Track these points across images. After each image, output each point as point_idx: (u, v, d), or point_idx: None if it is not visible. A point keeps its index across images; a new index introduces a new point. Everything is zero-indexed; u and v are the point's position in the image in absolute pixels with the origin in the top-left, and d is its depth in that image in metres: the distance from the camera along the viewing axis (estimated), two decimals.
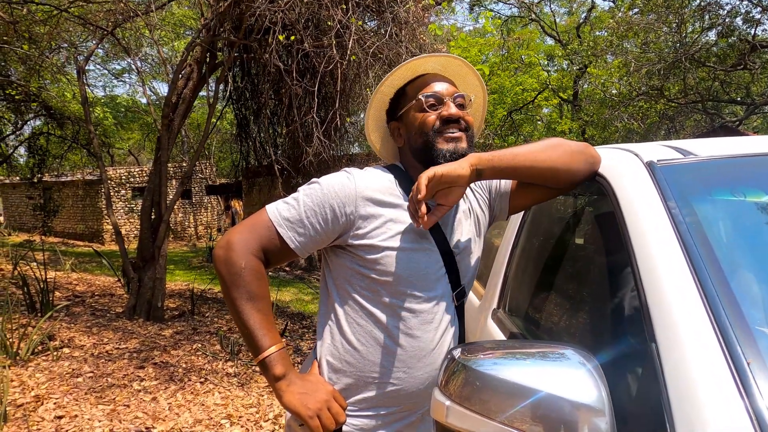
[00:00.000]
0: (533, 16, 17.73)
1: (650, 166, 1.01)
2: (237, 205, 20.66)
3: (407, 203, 1.10)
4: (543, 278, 1.48)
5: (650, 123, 12.50)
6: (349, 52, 3.58)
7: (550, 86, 15.27)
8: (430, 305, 1.12)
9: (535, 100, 15.50)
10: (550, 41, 19.55)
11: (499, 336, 1.45)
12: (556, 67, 18.55)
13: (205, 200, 20.17)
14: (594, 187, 1.24)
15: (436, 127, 1.12)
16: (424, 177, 1.01)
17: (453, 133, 1.11)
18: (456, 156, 1.09)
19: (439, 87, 1.15)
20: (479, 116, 1.31)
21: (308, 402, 1.04)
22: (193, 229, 19.61)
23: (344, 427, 1.09)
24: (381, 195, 1.10)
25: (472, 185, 1.25)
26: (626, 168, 1.06)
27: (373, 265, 1.08)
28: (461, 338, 1.22)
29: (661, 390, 0.70)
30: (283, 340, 1.07)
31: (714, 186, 1.02)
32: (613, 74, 11.97)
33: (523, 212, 1.66)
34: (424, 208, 1.01)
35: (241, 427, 3.05)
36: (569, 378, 0.75)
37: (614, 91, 12.41)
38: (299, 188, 1.13)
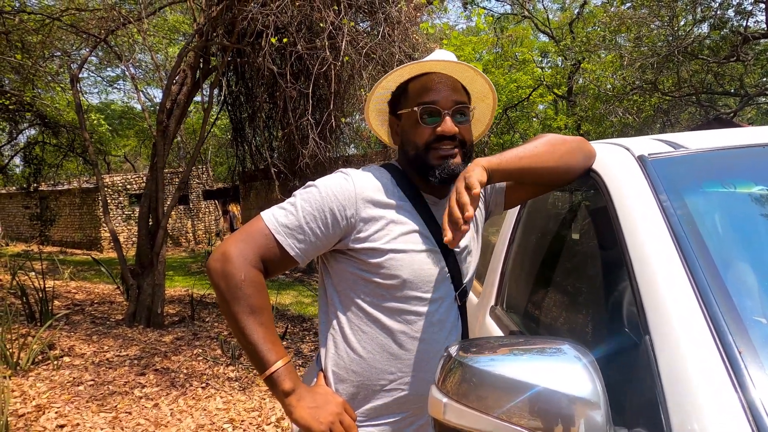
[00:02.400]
0: (526, 12, 17.77)
1: (641, 160, 1.02)
2: (235, 209, 20.65)
3: (403, 202, 1.08)
4: (539, 274, 1.49)
5: (645, 117, 12.53)
6: (342, 53, 3.58)
7: (544, 83, 15.29)
8: (435, 307, 1.09)
9: (530, 97, 15.53)
10: (543, 38, 19.58)
11: (498, 333, 1.46)
12: (550, 64, 18.58)
13: (203, 205, 20.15)
14: (587, 182, 1.25)
15: (429, 142, 1.08)
16: (465, 195, 0.93)
17: (446, 149, 1.07)
18: (447, 173, 1.06)
19: (440, 95, 1.08)
20: (486, 120, 1.28)
21: (320, 416, 1.00)
22: (191, 234, 19.58)
23: None
24: (381, 195, 1.07)
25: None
26: (617, 162, 1.06)
27: (376, 269, 1.05)
28: (464, 338, 1.19)
29: (655, 382, 0.71)
30: (289, 353, 1.04)
31: (704, 178, 1.03)
32: (606, 69, 11.99)
33: (518, 209, 1.66)
34: (466, 226, 0.93)
35: (244, 431, 3.05)
36: (565, 372, 0.75)
37: (608, 86, 12.43)
38: (295, 192, 1.08)
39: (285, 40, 3.84)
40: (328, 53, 3.69)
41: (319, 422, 0.99)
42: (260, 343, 0.99)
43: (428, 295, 1.08)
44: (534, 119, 19.18)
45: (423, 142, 1.08)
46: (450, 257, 1.11)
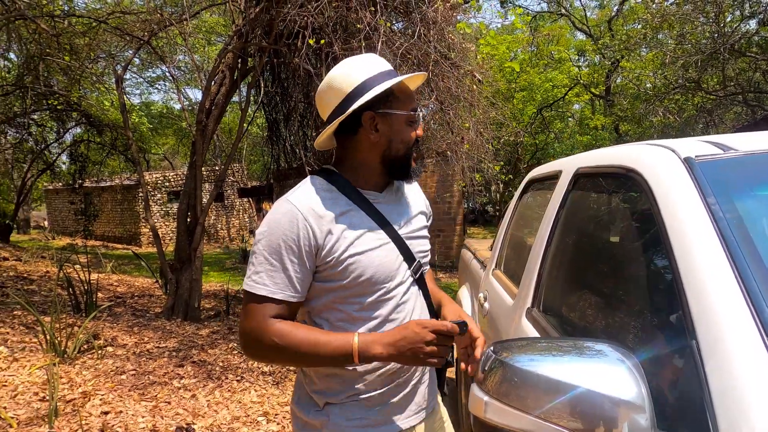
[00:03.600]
0: (563, 11, 17.43)
1: (688, 162, 1.00)
2: (268, 207, 20.97)
3: (349, 207, 1.15)
4: (578, 277, 1.47)
5: (687, 117, 12.11)
6: (377, 53, 3.60)
7: (581, 82, 14.97)
8: (401, 289, 1.18)
9: (566, 97, 15.22)
10: (580, 36, 19.17)
11: (534, 335, 1.45)
12: (587, 62, 18.18)
13: (237, 203, 20.58)
14: (629, 184, 1.23)
15: (413, 145, 1.19)
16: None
17: (417, 152, 1.22)
18: (419, 172, 1.22)
19: (416, 104, 1.21)
20: None
21: (409, 346, 1.04)
22: (225, 231, 20.04)
23: (356, 411, 1.14)
24: (328, 209, 1.11)
25: (418, 191, 1.35)
26: (663, 164, 1.04)
27: (341, 274, 1.10)
28: (429, 304, 1.28)
29: (702, 389, 0.70)
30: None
31: (756, 181, 1.00)
32: (647, 67, 11.65)
33: (556, 211, 1.65)
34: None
35: (277, 424, 3.11)
36: (608, 374, 0.75)
37: (648, 85, 12.07)
38: (256, 246, 1.11)
39: (322, 41, 3.89)
40: (364, 53, 3.71)
41: (420, 336, 1.03)
42: (328, 350, 1.06)
43: (392, 283, 1.16)
44: (570, 119, 18.80)
45: (411, 143, 1.19)
46: (400, 244, 1.19)
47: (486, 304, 2.28)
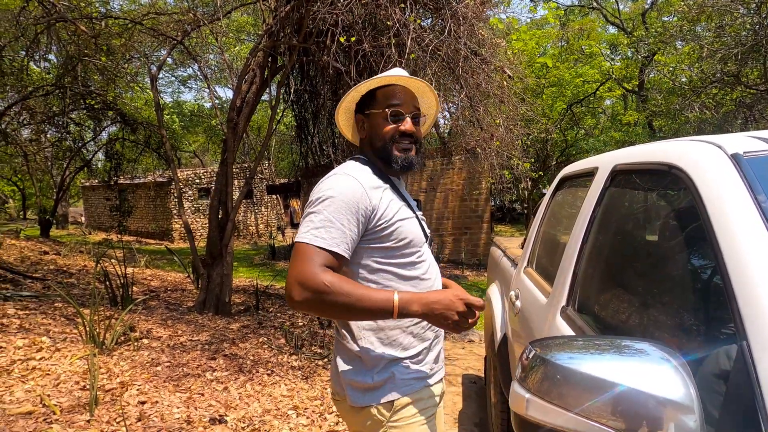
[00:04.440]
0: (594, 4, 17.04)
1: (735, 158, 0.97)
2: (295, 204, 21.21)
3: (387, 185, 1.37)
4: (616, 275, 1.44)
5: (725, 112, 11.69)
6: (408, 50, 3.60)
7: (613, 77, 14.61)
8: (426, 255, 1.41)
9: (597, 92, 14.89)
10: (612, 30, 18.71)
11: (570, 334, 1.43)
12: (620, 57, 17.74)
13: (266, 199, 20.87)
14: (672, 182, 1.20)
15: (394, 138, 1.39)
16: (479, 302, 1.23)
17: (405, 144, 1.40)
18: (406, 163, 1.39)
19: (402, 101, 1.40)
20: (430, 123, 1.64)
21: (442, 309, 1.20)
22: (254, 227, 20.35)
23: (402, 360, 1.34)
24: (376, 182, 1.34)
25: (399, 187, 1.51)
26: (709, 161, 1.02)
27: (388, 237, 1.31)
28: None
29: (753, 389, 0.68)
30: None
31: None
32: (683, 61, 11.29)
33: (593, 208, 1.62)
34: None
35: (307, 418, 3.15)
36: (652, 373, 0.74)
37: (684, 79, 11.69)
38: (317, 207, 1.26)
39: (353, 39, 3.90)
40: (393, 51, 3.72)
41: (454, 305, 1.21)
42: (369, 301, 1.18)
43: (423, 248, 1.39)
44: (600, 115, 18.39)
45: (389, 137, 1.39)
46: (418, 220, 1.43)
47: (518, 303, 2.26)
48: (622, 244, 1.49)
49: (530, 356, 0.79)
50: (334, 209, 1.24)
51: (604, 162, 1.72)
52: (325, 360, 4.28)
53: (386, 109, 1.39)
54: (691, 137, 1.29)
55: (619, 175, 1.56)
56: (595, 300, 1.51)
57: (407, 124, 1.39)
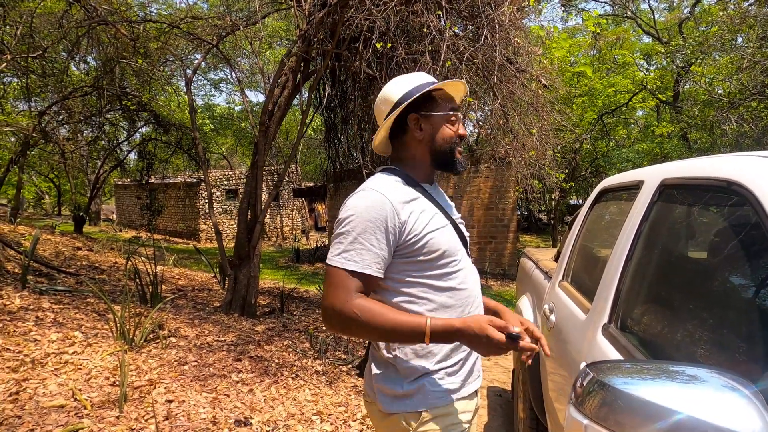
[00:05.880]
0: (629, 13, 16.74)
1: None
2: (320, 208, 21.36)
3: (417, 195, 1.34)
4: (665, 294, 1.38)
5: (765, 125, 11.31)
6: (442, 57, 3.57)
7: (646, 87, 14.28)
8: (463, 263, 1.37)
9: (630, 102, 14.58)
10: (646, 39, 18.33)
11: (613, 353, 1.38)
12: (654, 66, 17.36)
13: (291, 203, 21.06)
14: (730, 198, 1.15)
15: (456, 141, 1.40)
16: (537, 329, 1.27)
17: (461, 148, 1.44)
18: (463, 167, 1.42)
19: (456, 105, 1.43)
20: None
21: (472, 334, 1.16)
22: (279, 230, 20.55)
23: (438, 379, 1.31)
24: (405, 195, 1.31)
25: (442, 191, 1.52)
26: None
27: (420, 250, 1.28)
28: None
29: None
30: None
31: None
32: (721, 72, 10.97)
33: (639, 223, 1.56)
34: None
35: (331, 424, 3.13)
36: (720, 403, 0.69)
37: (720, 91, 11.36)
38: (345, 227, 1.26)
39: (389, 45, 3.90)
40: (428, 57, 3.70)
41: (480, 343, 1.16)
42: (402, 328, 1.18)
43: (457, 256, 1.35)
44: (632, 125, 18.02)
45: (453, 140, 1.40)
46: (455, 226, 1.40)
47: (552, 317, 2.20)
48: (672, 262, 1.42)
49: (588, 380, 0.76)
50: (363, 229, 1.23)
51: (651, 175, 1.66)
52: (349, 366, 4.26)
53: (449, 113, 1.40)
54: (750, 153, 1.23)
55: (668, 189, 1.50)
56: (641, 319, 1.45)
57: (464, 128, 1.43)
